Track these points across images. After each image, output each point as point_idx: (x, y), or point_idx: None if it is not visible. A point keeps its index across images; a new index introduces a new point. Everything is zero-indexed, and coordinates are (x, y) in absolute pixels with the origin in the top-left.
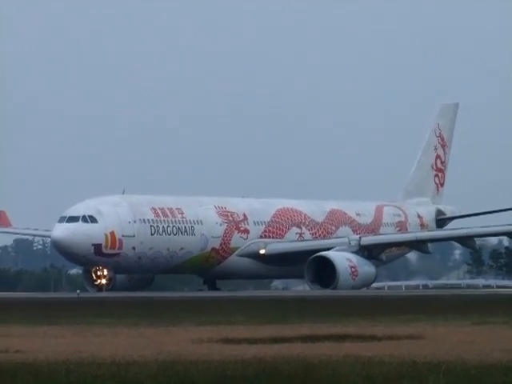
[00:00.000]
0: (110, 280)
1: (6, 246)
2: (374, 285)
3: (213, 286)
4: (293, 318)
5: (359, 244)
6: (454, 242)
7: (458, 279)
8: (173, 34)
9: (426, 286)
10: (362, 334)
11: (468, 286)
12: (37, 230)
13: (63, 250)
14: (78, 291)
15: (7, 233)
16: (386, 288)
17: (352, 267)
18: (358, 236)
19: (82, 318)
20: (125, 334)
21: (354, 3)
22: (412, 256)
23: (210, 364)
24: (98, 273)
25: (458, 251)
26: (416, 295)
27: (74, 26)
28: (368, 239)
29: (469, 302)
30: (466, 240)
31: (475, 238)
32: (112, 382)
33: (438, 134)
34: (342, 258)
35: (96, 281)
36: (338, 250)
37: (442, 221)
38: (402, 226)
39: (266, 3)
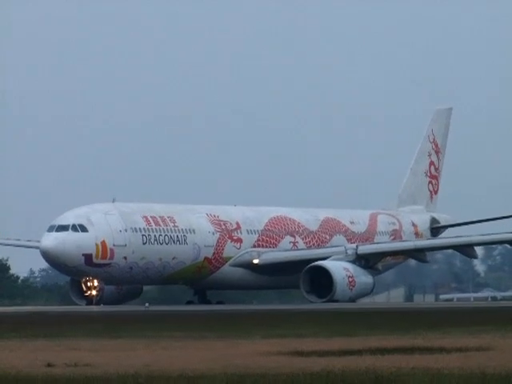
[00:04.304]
0: (99, 291)
1: None
2: (443, 296)
3: (203, 298)
4: (361, 330)
5: (356, 253)
6: None
7: None
8: (172, 34)
9: (494, 298)
10: (430, 346)
11: None
12: (19, 240)
13: (52, 261)
14: (146, 304)
15: None
16: (454, 300)
17: (349, 277)
18: (355, 245)
19: (151, 331)
20: (193, 347)
21: (346, 7)
22: (480, 268)
23: (278, 377)
24: (88, 284)
25: None
26: (485, 307)
27: (70, 26)
28: (365, 248)
29: None
30: (465, 248)
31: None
32: None
33: (431, 140)
34: (339, 268)
35: (86, 292)
36: (334, 260)
37: (436, 229)
38: (396, 235)
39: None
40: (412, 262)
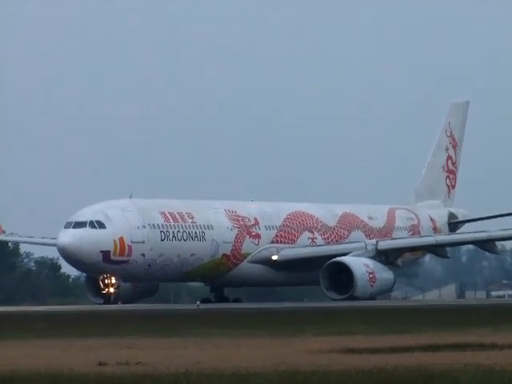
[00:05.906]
0: (116, 289)
1: None
2: (494, 293)
3: (220, 295)
4: (413, 327)
5: (376, 249)
6: None
7: None
8: (174, 32)
9: None
10: (482, 342)
11: None
12: (32, 237)
13: (70, 258)
14: (197, 302)
15: None
16: (506, 296)
17: (370, 273)
18: (375, 240)
19: (202, 330)
20: (245, 345)
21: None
22: None
23: (330, 374)
24: (106, 281)
25: None
26: None
27: (72, 20)
28: (386, 243)
29: None
30: (486, 244)
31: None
32: None
33: (448, 134)
34: (360, 264)
35: (103, 289)
36: (354, 256)
37: (454, 224)
38: (414, 230)
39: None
40: (463, 258)
